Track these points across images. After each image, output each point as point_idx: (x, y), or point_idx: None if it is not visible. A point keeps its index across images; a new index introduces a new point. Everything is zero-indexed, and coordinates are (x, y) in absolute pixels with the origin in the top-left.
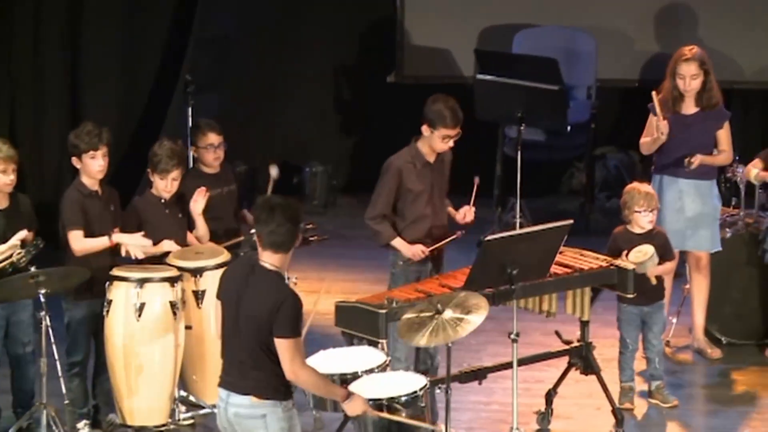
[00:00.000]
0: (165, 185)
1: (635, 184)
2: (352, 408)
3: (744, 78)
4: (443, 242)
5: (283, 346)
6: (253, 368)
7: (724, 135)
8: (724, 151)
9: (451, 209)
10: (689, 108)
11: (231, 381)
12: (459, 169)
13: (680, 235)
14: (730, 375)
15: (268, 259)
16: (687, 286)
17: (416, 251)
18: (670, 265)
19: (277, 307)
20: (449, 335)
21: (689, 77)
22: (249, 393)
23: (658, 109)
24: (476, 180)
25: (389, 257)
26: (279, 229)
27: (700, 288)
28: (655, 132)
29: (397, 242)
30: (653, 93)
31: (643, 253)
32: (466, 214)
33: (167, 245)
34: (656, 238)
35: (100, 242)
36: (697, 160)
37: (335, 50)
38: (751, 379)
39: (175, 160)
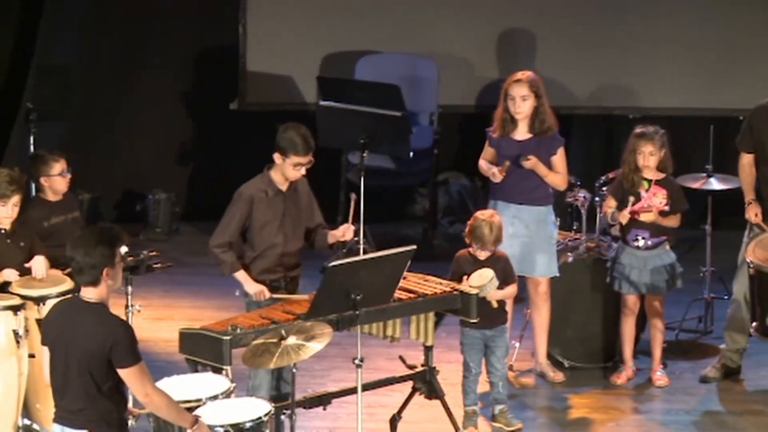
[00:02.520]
0: (6, 211)
1: (492, 218)
2: None
3: (584, 103)
4: (293, 297)
5: (130, 375)
6: (86, 403)
7: (558, 160)
8: (560, 174)
9: (330, 232)
10: (522, 134)
11: (64, 416)
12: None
13: (515, 260)
14: (572, 398)
15: (88, 293)
16: (529, 311)
17: (259, 292)
18: (511, 289)
19: (110, 341)
20: (291, 359)
21: (519, 98)
22: (83, 427)
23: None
24: (353, 196)
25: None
26: (84, 260)
27: (540, 312)
28: (490, 170)
29: (241, 275)
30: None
31: (483, 276)
32: (345, 232)
33: (7, 274)
34: (498, 261)
35: None
36: (533, 160)
37: (178, 78)
38: (593, 402)
39: (14, 186)
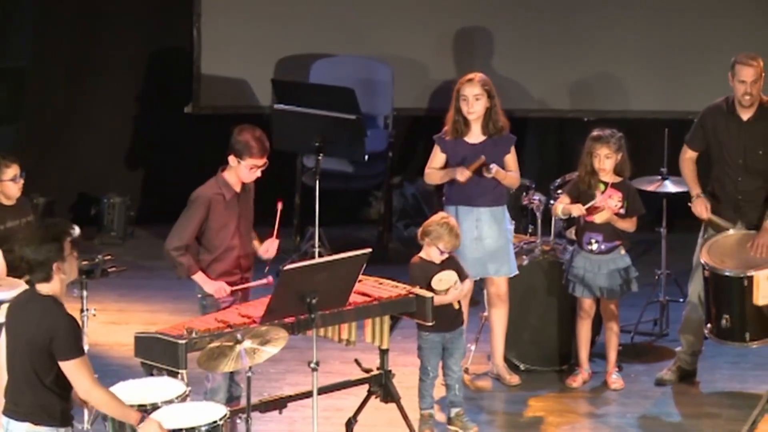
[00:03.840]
0: None
1: (448, 219)
2: (147, 431)
3: (539, 106)
4: (252, 284)
5: (70, 368)
6: (28, 394)
7: (511, 159)
8: (514, 173)
9: (256, 243)
10: (476, 136)
11: (10, 408)
12: (258, 198)
13: (480, 264)
14: (528, 401)
15: (42, 287)
16: (485, 314)
17: (219, 289)
18: (468, 285)
19: (51, 333)
20: (246, 362)
21: (472, 98)
22: (26, 419)
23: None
24: (279, 205)
25: (197, 288)
26: (32, 258)
27: (499, 315)
28: (449, 174)
29: (198, 277)
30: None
31: (446, 281)
32: (269, 248)
33: None
34: (452, 262)
35: None
36: (495, 169)
37: (132, 81)
38: (549, 405)
39: None
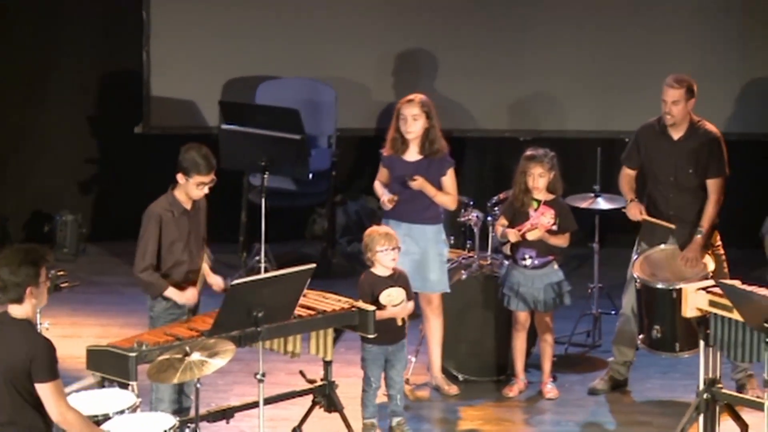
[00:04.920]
0: None
1: (374, 227)
2: None
3: (477, 126)
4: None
5: (46, 390)
6: (13, 415)
7: (448, 181)
8: (450, 195)
9: (206, 265)
10: (413, 155)
11: None
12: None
13: (408, 277)
14: (466, 410)
15: (14, 311)
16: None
17: (190, 296)
18: (411, 305)
19: (30, 355)
20: (195, 374)
21: (410, 117)
22: None
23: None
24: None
25: (147, 302)
26: (8, 278)
27: (434, 327)
28: (382, 197)
29: (170, 291)
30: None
31: (394, 297)
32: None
33: None
34: (400, 279)
35: None
36: (419, 180)
37: (84, 101)
38: (486, 414)
39: None
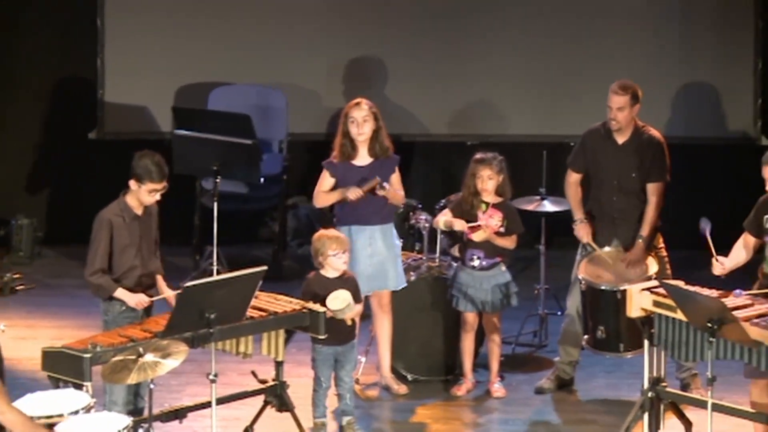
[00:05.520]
0: None
1: (322, 232)
2: None
3: (425, 131)
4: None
5: None
6: None
7: (396, 178)
8: (400, 191)
9: (160, 276)
10: (363, 159)
11: None
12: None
13: (373, 279)
14: (416, 409)
15: None
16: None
17: (139, 301)
18: (360, 307)
19: None
20: (148, 375)
21: (361, 120)
22: None
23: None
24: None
25: (101, 305)
26: None
27: (384, 327)
28: (341, 194)
29: (120, 293)
30: None
31: (341, 299)
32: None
33: None
34: (348, 282)
35: None
36: (388, 186)
37: (39, 108)
38: (435, 413)
39: None
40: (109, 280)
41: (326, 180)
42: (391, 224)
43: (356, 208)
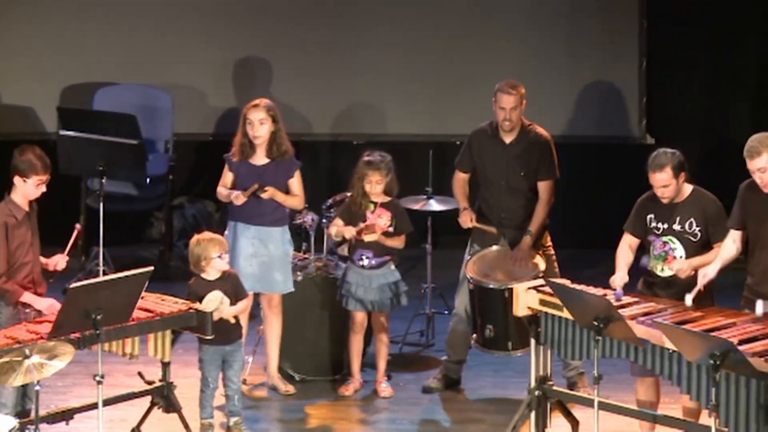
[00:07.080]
0: None
1: (198, 236)
2: None
3: (312, 130)
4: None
5: None
6: None
7: (295, 182)
8: (297, 196)
9: (42, 258)
10: (260, 159)
11: None
12: (46, 221)
13: (255, 278)
14: (304, 409)
15: None
16: (262, 327)
17: (50, 306)
18: (244, 304)
19: None
20: (34, 376)
21: (257, 122)
22: None
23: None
24: (77, 226)
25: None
26: None
27: (273, 327)
28: (232, 194)
29: (27, 297)
30: None
31: (213, 300)
32: (59, 262)
33: None
34: (229, 279)
35: None
36: (270, 191)
37: None
38: (323, 413)
39: None
40: (14, 285)
41: (227, 175)
42: (283, 228)
43: (244, 207)
